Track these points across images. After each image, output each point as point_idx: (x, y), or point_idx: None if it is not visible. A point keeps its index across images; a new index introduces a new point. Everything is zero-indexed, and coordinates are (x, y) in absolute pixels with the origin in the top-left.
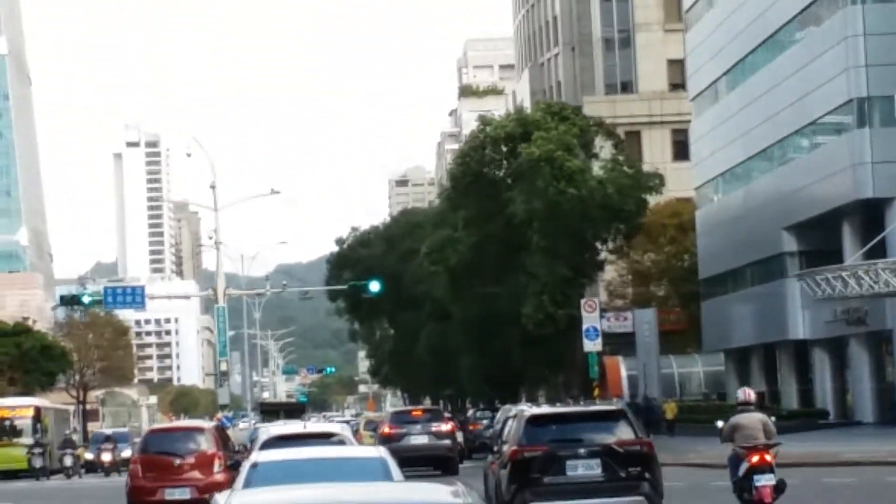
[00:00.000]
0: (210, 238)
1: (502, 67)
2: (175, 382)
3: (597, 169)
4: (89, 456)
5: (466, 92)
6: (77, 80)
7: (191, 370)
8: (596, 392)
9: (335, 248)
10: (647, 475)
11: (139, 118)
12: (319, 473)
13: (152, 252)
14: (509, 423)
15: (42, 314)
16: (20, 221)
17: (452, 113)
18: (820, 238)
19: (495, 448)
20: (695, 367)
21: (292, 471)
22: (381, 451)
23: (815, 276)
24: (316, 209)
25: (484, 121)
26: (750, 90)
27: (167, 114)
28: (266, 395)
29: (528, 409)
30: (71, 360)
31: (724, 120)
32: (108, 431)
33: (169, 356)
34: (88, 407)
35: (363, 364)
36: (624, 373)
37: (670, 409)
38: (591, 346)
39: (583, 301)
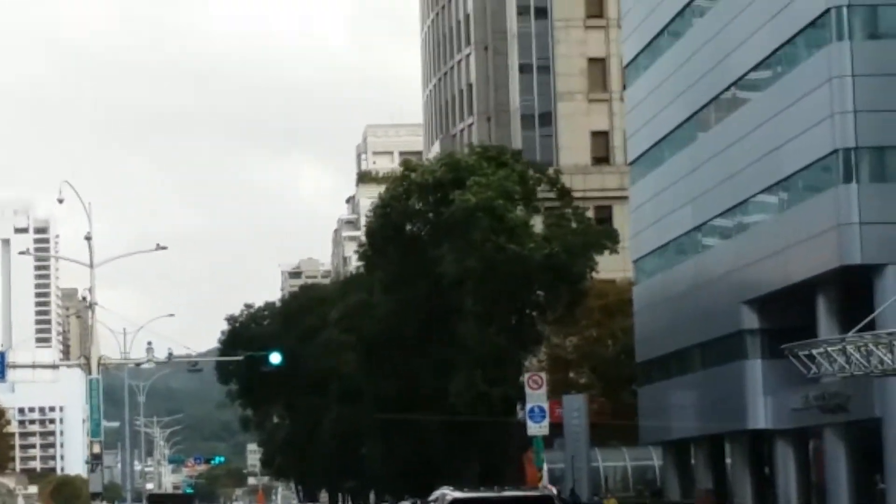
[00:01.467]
0: (84, 298)
1: (403, 154)
2: (59, 472)
3: (539, 223)
4: None
5: (365, 178)
6: None
7: (75, 460)
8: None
9: (226, 330)
10: None
11: (26, 202)
12: None
13: (39, 341)
14: None
15: None
16: None
17: (350, 200)
18: (787, 314)
19: None
20: (621, 462)
21: None
22: None
23: (803, 350)
24: (205, 295)
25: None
26: (701, 149)
27: (52, 190)
28: (150, 485)
29: (451, 493)
30: None
31: (669, 183)
32: None
33: (53, 445)
34: None
35: (252, 456)
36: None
37: None
38: (537, 429)
39: (526, 376)
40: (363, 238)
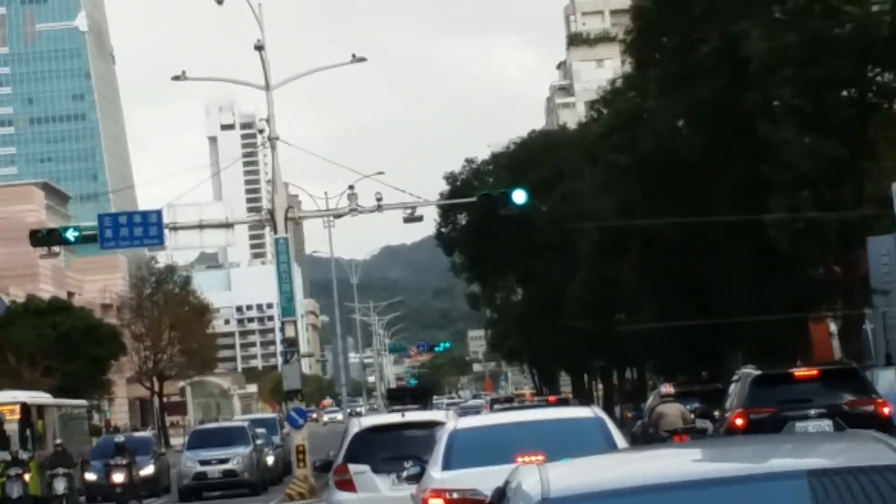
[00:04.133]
0: (261, 132)
1: (614, 13)
2: (279, 369)
3: None
4: (91, 477)
5: (576, 41)
6: (163, 56)
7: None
8: None
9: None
10: None
11: (232, 98)
12: (530, 438)
13: (252, 237)
14: (731, 387)
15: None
16: (108, 206)
17: (561, 65)
18: None
19: (716, 417)
20: None
21: (500, 435)
22: (596, 411)
23: None
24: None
25: None
26: None
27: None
28: (371, 378)
29: (753, 371)
30: (123, 343)
31: None
32: (121, 438)
33: (273, 342)
34: (172, 399)
35: (474, 343)
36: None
37: None
38: None
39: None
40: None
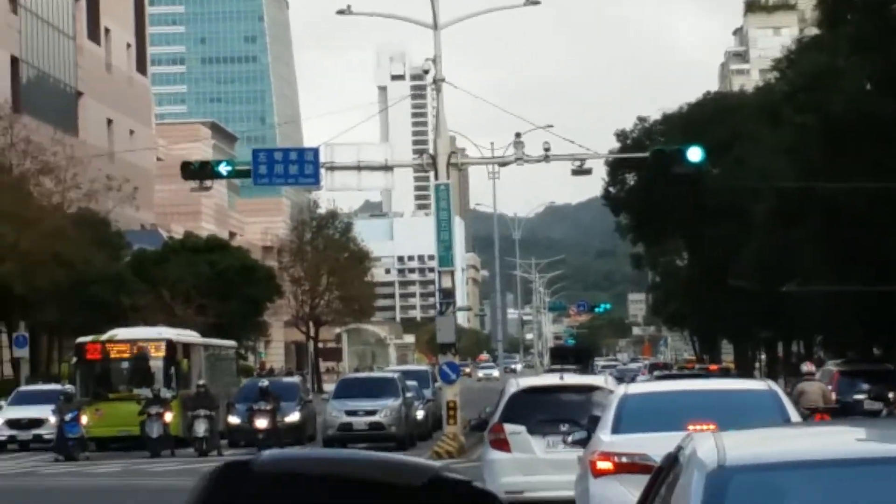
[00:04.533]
0: (426, 72)
1: None
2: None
3: None
4: (234, 420)
5: (754, 7)
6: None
7: (456, 311)
8: None
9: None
10: None
11: (403, 48)
12: (702, 407)
13: (417, 188)
14: None
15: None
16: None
17: (737, 31)
18: None
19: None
20: None
21: (671, 403)
22: (770, 385)
23: None
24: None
25: None
26: None
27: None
28: (529, 335)
29: None
30: (279, 285)
31: None
32: (265, 382)
33: (432, 294)
34: (327, 345)
35: (635, 306)
36: None
37: None
38: None
39: None
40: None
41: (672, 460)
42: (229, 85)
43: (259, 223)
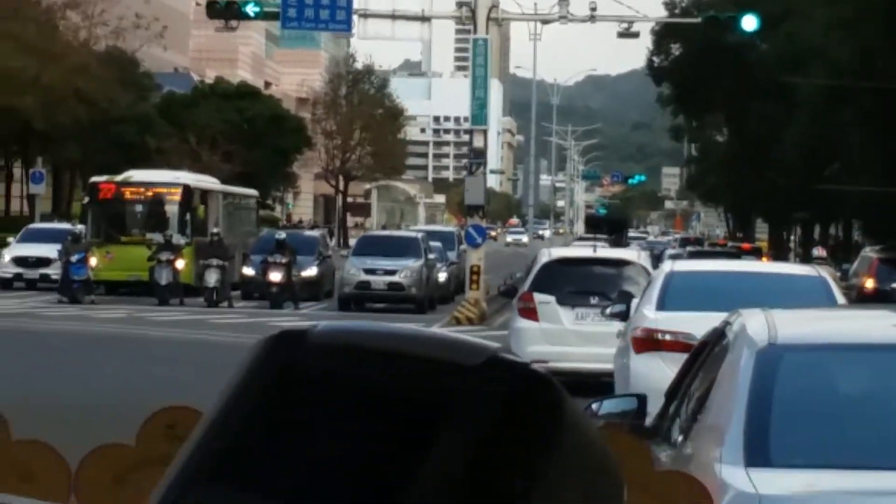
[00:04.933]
0: None
1: None
2: None
3: None
4: (249, 272)
5: None
6: None
7: (488, 173)
8: None
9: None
10: None
11: None
12: (750, 290)
13: (457, 49)
14: None
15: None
16: None
17: None
18: None
19: None
20: None
21: (718, 283)
22: (819, 271)
23: None
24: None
25: None
26: None
27: None
28: (561, 202)
29: None
30: (308, 137)
31: None
32: (282, 234)
33: (466, 156)
34: (357, 200)
35: (668, 180)
36: None
37: None
38: None
39: None
40: None
41: (719, 335)
42: None
43: (296, 74)
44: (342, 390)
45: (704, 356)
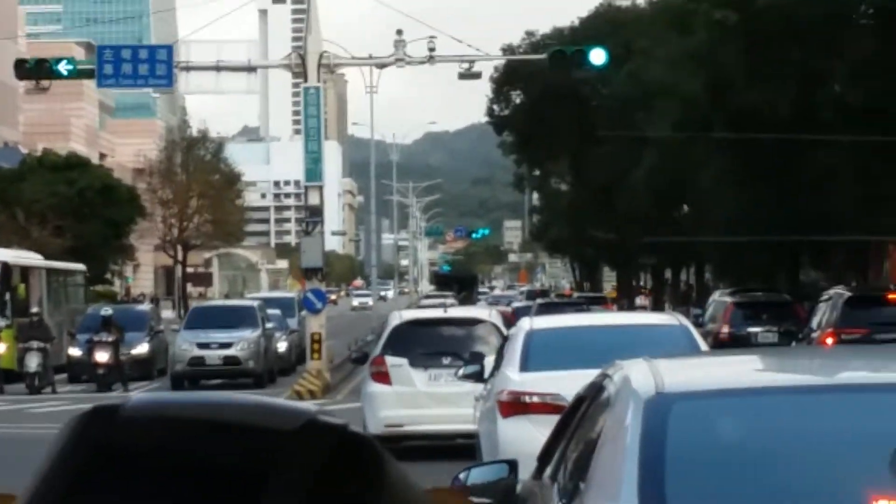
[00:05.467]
0: None
1: None
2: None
3: None
4: (75, 353)
5: None
6: None
7: (329, 236)
8: None
9: (489, 98)
10: None
11: None
12: (614, 343)
13: (295, 113)
14: (820, 307)
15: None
16: None
17: None
18: None
19: (800, 336)
20: None
21: (581, 339)
22: (680, 319)
23: None
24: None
25: None
26: None
27: None
28: (405, 261)
29: (845, 291)
30: (142, 206)
31: None
32: (108, 311)
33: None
34: (198, 270)
35: (510, 233)
36: None
37: None
38: None
39: None
40: None
41: (597, 389)
42: (106, 5)
43: (132, 145)
44: (159, 464)
45: (582, 413)
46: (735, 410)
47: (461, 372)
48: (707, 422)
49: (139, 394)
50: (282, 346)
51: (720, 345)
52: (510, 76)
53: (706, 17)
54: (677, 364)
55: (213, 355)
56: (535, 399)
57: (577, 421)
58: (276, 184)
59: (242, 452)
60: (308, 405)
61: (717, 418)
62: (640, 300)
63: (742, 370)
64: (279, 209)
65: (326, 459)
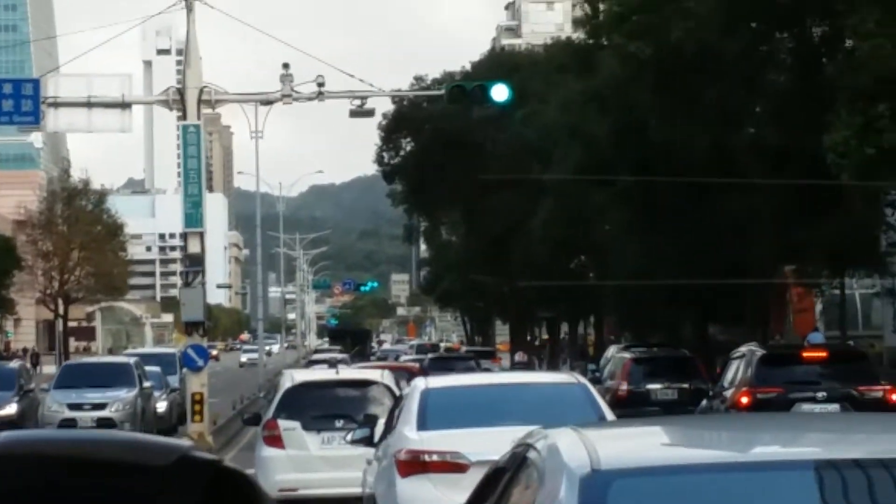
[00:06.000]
0: None
1: None
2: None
3: None
4: None
5: None
6: None
7: (214, 289)
8: None
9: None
10: None
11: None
12: (512, 401)
13: (181, 165)
14: (733, 364)
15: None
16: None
17: (510, 6)
18: None
19: (711, 393)
20: None
21: (477, 397)
22: (578, 378)
23: None
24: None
25: None
26: None
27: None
28: (291, 315)
29: (759, 348)
30: (17, 258)
31: None
32: None
33: None
34: (81, 324)
35: (398, 287)
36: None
37: None
38: None
39: None
40: None
41: (520, 460)
42: None
43: (12, 196)
44: (28, 503)
45: (504, 487)
46: (672, 490)
47: (350, 437)
48: (644, 502)
49: (7, 432)
50: (161, 407)
51: (619, 402)
52: (399, 123)
53: (618, 51)
54: (610, 434)
55: (86, 417)
56: (435, 457)
57: (498, 495)
58: (162, 236)
59: (116, 490)
60: (182, 441)
61: (658, 499)
62: (518, 356)
63: (675, 441)
64: (164, 262)
65: (201, 495)
